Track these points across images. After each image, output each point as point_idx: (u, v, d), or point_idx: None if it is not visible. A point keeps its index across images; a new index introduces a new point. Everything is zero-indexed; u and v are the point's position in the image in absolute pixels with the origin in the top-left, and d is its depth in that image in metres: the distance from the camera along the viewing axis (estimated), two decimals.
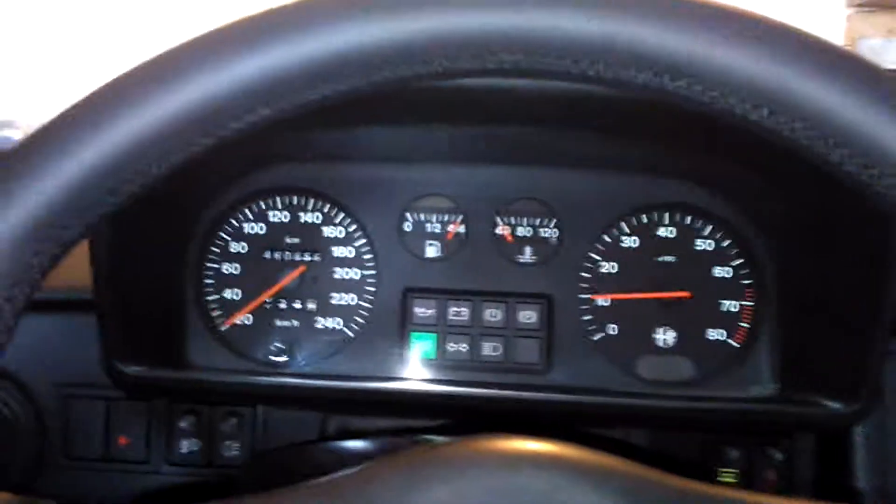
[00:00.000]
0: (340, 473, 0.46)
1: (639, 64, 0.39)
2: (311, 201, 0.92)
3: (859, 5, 2.29)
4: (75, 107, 0.39)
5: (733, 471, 0.91)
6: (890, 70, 0.41)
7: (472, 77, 0.40)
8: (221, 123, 0.39)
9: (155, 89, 0.39)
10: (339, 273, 0.92)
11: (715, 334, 0.91)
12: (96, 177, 0.38)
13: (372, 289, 0.92)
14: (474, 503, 0.44)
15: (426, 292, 0.91)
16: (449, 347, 0.91)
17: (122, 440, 0.92)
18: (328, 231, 0.92)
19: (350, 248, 0.92)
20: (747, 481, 0.91)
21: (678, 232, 0.92)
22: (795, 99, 0.38)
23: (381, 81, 0.40)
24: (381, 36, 0.39)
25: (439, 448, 0.47)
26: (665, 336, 0.91)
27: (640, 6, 0.39)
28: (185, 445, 0.92)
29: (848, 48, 0.41)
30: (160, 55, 0.40)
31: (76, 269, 0.81)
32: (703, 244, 0.91)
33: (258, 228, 0.92)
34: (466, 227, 0.92)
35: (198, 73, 0.39)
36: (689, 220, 0.91)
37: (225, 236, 0.92)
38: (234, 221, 0.92)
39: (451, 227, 0.92)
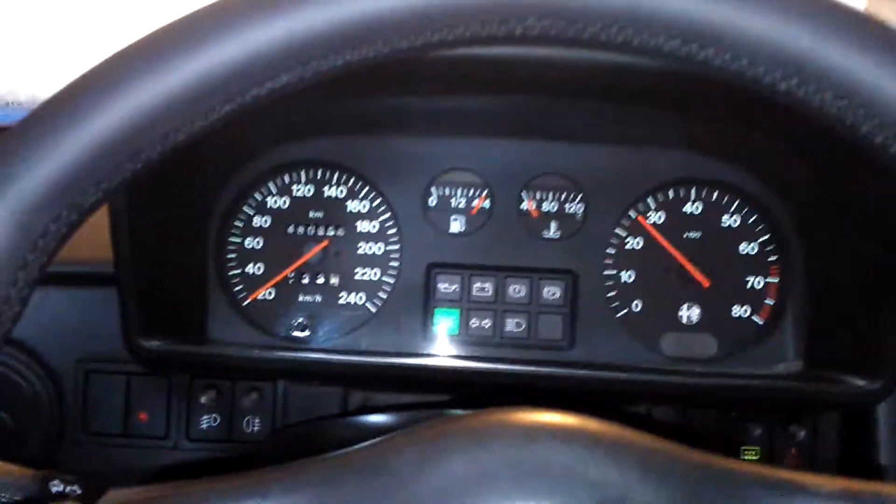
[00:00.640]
0: (359, 446, 0.45)
1: (668, 32, 0.38)
2: (336, 175, 0.91)
3: None
4: (94, 71, 0.38)
5: (755, 448, 0.91)
6: None
7: (504, 44, 0.39)
8: (242, 90, 0.38)
9: (175, 53, 0.37)
10: (363, 248, 0.91)
11: (740, 311, 0.90)
12: (115, 143, 0.37)
13: (395, 264, 0.91)
14: (493, 475, 0.43)
15: (450, 268, 0.90)
16: (472, 323, 0.90)
17: (143, 416, 0.91)
18: (352, 205, 0.91)
19: (374, 222, 0.91)
20: (770, 459, 0.91)
21: (704, 208, 0.91)
22: (823, 69, 0.38)
23: (407, 48, 0.39)
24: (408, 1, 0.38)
25: (458, 420, 0.47)
26: (689, 313, 0.90)
27: None
28: (206, 421, 0.91)
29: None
30: (180, 20, 0.38)
31: (98, 244, 0.79)
32: (729, 220, 0.91)
33: (282, 202, 0.91)
34: (491, 202, 0.91)
35: (218, 37, 0.37)
36: (715, 196, 0.91)
37: (248, 210, 0.91)
38: (257, 195, 0.91)
39: (475, 202, 0.91)
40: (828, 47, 0.37)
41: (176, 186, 0.80)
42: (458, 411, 0.91)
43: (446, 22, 0.38)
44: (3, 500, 0.45)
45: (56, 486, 0.46)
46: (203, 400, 0.91)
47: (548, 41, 0.39)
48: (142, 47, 0.38)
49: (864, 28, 0.38)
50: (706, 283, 0.90)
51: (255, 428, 0.92)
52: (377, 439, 0.46)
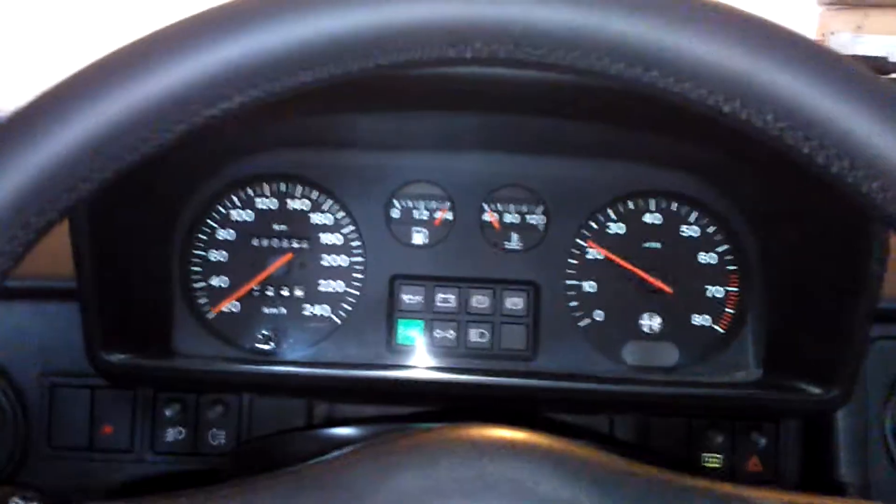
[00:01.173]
0: (316, 460, 0.46)
1: (611, 55, 0.39)
2: (299, 188, 0.92)
3: (830, 3, 2.32)
4: (58, 86, 0.39)
5: (717, 456, 0.91)
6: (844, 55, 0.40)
7: (452, 66, 0.40)
8: (194, 111, 0.38)
9: (133, 72, 0.38)
10: (327, 260, 0.91)
11: (700, 320, 0.91)
12: (69, 162, 0.38)
13: (359, 276, 0.91)
14: (445, 491, 0.44)
15: (413, 279, 0.91)
16: (436, 334, 0.91)
17: (107, 429, 0.90)
18: (316, 218, 0.91)
19: (338, 234, 0.91)
20: (731, 467, 0.91)
21: (664, 218, 0.92)
22: (765, 91, 0.38)
23: (358, 70, 0.39)
24: (366, 23, 0.39)
25: (411, 435, 0.48)
26: (651, 322, 0.91)
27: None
28: (171, 434, 0.91)
29: (819, 41, 0.41)
30: (142, 38, 0.39)
31: (62, 257, 0.79)
32: (688, 231, 0.91)
33: (246, 215, 0.91)
34: (454, 214, 0.92)
35: (177, 56, 0.38)
36: (675, 206, 0.91)
37: (212, 223, 0.91)
38: (221, 208, 0.91)
39: (438, 214, 0.92)
40: (769, 70, 0.38)
41: (138, 200, 0.80)
42: (422, 424, 0.91)
43: (399, 45, 0.39)
44: None
45: (16, 502, 0.46)
46: (168, 413, 0.91)
47: (497, 63, 0.40)
48: (108, 62, 0.39)
49: (798, 47, 0.39)
50: (667, 293, 0.90)
51: (221, 441, 0.92)
52: (332, 454, 0.46)
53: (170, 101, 0.38)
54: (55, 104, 0.38)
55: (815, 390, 0.80)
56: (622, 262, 0.91)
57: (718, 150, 0.86)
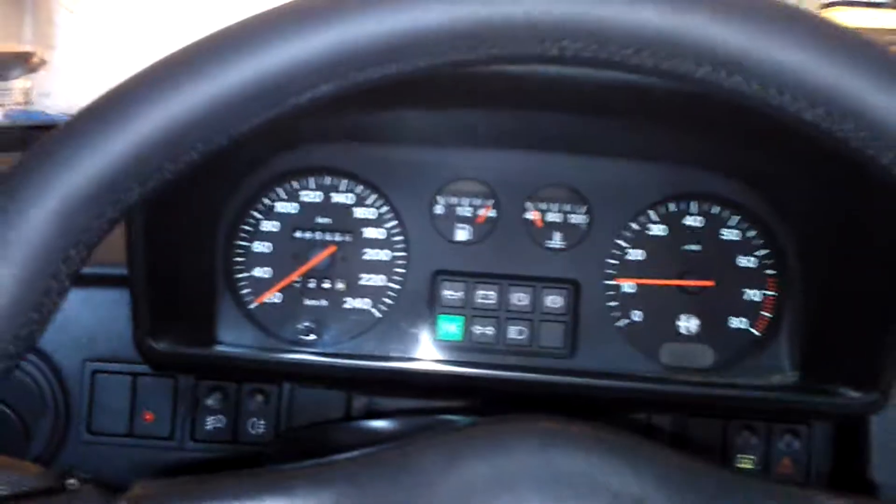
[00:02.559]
0: (384, 446, 0.46)
1: (698, 58, 0.38)
2: (344, 182, 0.91)
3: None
4: (140, 74, 0.39)
5: (751, 457, 0.92)
6: None
7: (536, 63, 0.40)
8: (282, 98, 0.38)
9: (222, 59, 0.38)
10: (370, 254, 0.91)
11: (737, 323, 0.91)
12: (160, 143, 0.38)
13: (401, 270, 0.91)
14: (514, 481, 0.44)
15: (455, 275, 0.90)
16: (475, 330, 0.90)
17: (148, 416, 0.90)
18: (360, 212, 0.91)
19: (381, 229, 0.91)
20: (764, 468, 0.91)
21: (705, 221, 0.91)
22: (850, 100, 0.38)
23: (442, 64, 0.39)
24: (452, 18, 0.38)
25: (483, 424, 0.47)
26: (688, 324, 0.91)
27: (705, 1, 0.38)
28: (211, 422, 0.91)
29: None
30: (228, 27, 0.39)
31: (106, 244, 0.79)
32: (728, 234, 0.91)
33: (290, 208, 0.91)
34: (497, 212, 0.91)
35: (264, 46, 0.38)
36: (715, 209, 0.91)
37: (257, 215, 0.90)
38: (266, 200, 0.91)
39: (482, 212, 0.91)
40: (855, 80, 0.38)
41: (188, 191, 0.80)
42: (460, 418, 0.91)
43: (483, 40, 0.39)
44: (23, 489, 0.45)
45: (72, 486, 0.45)
46: (208, 401, 0.90)
47: (580, 63, 0.40)
48: (190, 52, 0.39)
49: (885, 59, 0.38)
50: (704, 295, 0.90)
51: (260, 430, 0.91)
52: (402, 440, 0.46)
53: (260, 87, 0.38)
54: (157, 81, 0.38)
55: (854, 394, 0.80)
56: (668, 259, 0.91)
57: (761, 154, 0.85)
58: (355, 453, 0.46)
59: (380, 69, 0.39)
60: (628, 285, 0.91)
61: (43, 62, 2.70)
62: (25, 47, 3.01)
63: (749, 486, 0.48)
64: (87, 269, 0.87)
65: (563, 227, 0.91)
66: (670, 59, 0.39)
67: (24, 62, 2.58)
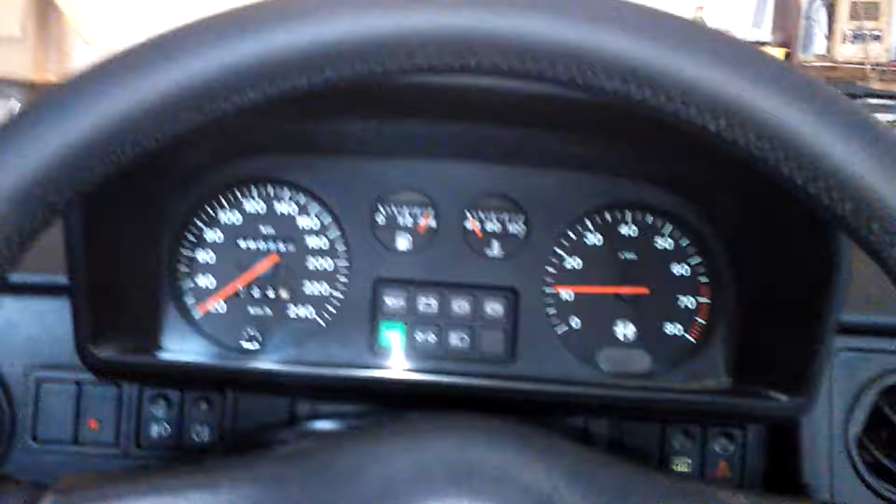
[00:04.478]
0: (305, 443, 0.46)
1: (607, 72, 0.38)
2: (287, 192, 0.88)
3: None
4: (76, 77, 0.38)
5: (687, 461, 0.87)
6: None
7: (452, 74, 0.40)
8: (210, 102, 0.38)
9: (152, 64, 0.38)
10: (312, 263, 0.88)
11: (672, 329, 0.88)
12: (90, 144, 0.37)
13: (344, 279, 0.87)
14: (431, 475, 0.43)
15: (396, 283, 0.88)
16: (417, 337, 0.88)
17: (93, 424, 0.87)
18: (302, 221, 0.88)
19: (323, 238, 0.87)
20: (700, 471, 0.88)
21: (639, 230, 0.89)
22: (749, 114, 0.38)
23: (370, 74, 0.39)
24: (378, 28, 0.38)
25: (399, 421, 0.47)
26: (625, 330, 0.87)
27: (618, 16, 0.38)
28: (155, 429, 0.88)
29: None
30: (162, 33, 0.39)
31: (48, 253, 0.74)
32: (662, 242, 0.89)
33: (233, 217, 0.87)
34: (437, 221, 0.89)
35: (191, 52, 0.38)
36: (650, 219, 0.89)
37: (200, 224, 0.87)
38: (209, 209, 0.88)
39: (422, 221, 0.88)
40: (756, 93, 0.38)
41: (130, 198, 0.78)
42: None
43: (404, 52, 0.38)
44: None
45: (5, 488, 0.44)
46: (153, 409, 0.87)
47: (498, 74, 0.39)
48: (119, 58, 0.38)
49: (777, 71, 0.39)
50: (640, 302, 0.86)
51: (205, 437, 0.89)
52: (322, 437, 0.48)
53: (185, 91, 0.38)
54: (87, 85, 0.38)
55: (782, 397, 0.78)
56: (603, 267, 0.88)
57: (689, 164, 0.84)
58: (278, 450, 0.46)
59: (297, 80, 0.38)
60: (566, 293, 0.87)
61: None
62: (51, 77, 3.06)
63: (656, 483, 0.48)
64: (30, 277, 0.83)
65: (502, 236, 0.87)
66: (583, 73, 0.39)
67: None
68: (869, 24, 4.05)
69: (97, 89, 0.37)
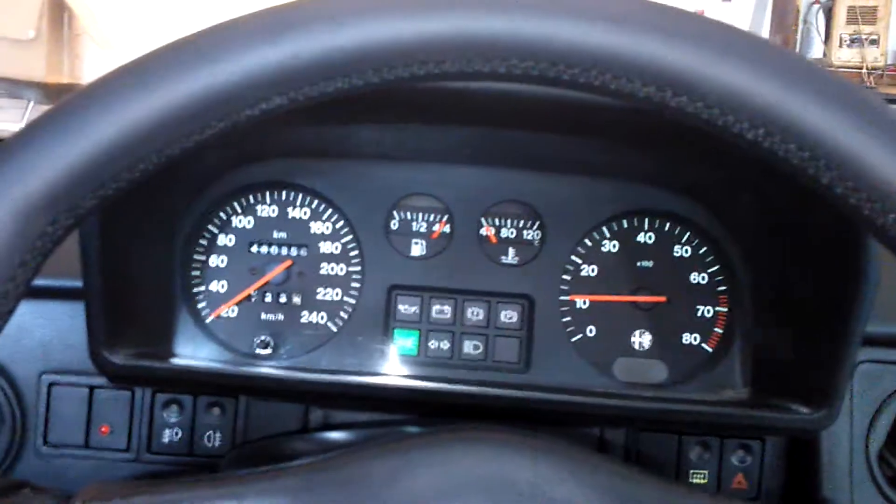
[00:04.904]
0: (334, 454, 0.44)
1: (642, 78, 0.37)
2: (300, 197, 0.86)
3: None
4: (99, 81, 0.37)
5: (703, 472, 0.85)
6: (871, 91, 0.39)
7: (485, 80, 0.38)
8: (237, 109, 0.37)
9: (178, 70, 0.36)
10: (325, 268, 0.86)
11: (689, 339, 0.86)
12: (115, 152, 0.36)
13: (357, 285, 0.85)
14: (461, 489, 0.42)
15: (410, 290, 0.86)
16: (431, 345, 0.86)
17: (104, 429, 0.85)
18: (315, 226, 0.86)
19: (337, 244, 0.85)
20: (717, 484, 0.86)
21: (657, 238, 0.87)
22: (789, 121, 0.36)
23: (395, 79, 0.38)
24: (408, 34, 0.37)
25: (429, 434, 0.45)
26: (641, 339, 0.85)
27: (654, 21, 0.37)
28: (167, 435, 0.86)
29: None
30: (184, 38, 0.38)
31: (62, 257, 0.71)
32: (680, 250, 0.86)
33: (246, 222, 0.85)
34: (452, 227, 0.86)
35: (218, 57, 0.36)
36: (667, 226, 0.87)
37: (213, 229, 0.86)
38: (222, 214, 0.86)
39: (436, 227, 0.86)
40: (793, 101, 0.36)
41: (144, 203, 0.75)
42: (415, 428, 0.83)
43: (434, 57, 0.37)
44: None
45: (27, 494, 0.43)
46: (165, 414, 0.86)
47: (529, 81, 0.38)
48: (146, 62, 0.37)
49: (828, 82, 0.37)
50: (657, 311, 0.84)
51: (216, 443, 0.87)
52: (351, 449, 0.44)
53: (218, 96, 0.36)
54: (112, 88, 0.37)
55: (802, 410, 0.75)
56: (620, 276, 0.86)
57: (709, 171, 0.82)
58: (306, 461, 0.44)
59: (331, 84, 0.37)
60: (582, 301, 0.85)
61: None
62: (64, 79, 3.07)
63: (693, 500, 0.47)
64: (44, 281, 0.80)
65: (517, 243, 0.85)
66: (618, 79, 0.37)
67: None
68: (866, 29, 4.03)
69: (126, 94, 0.36)
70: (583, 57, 0.37)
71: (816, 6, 4.17)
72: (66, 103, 0.37)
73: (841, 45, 4.10)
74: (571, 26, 0.37)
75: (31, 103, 2.75)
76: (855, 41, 4.06)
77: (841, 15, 4.09)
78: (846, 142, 0.36)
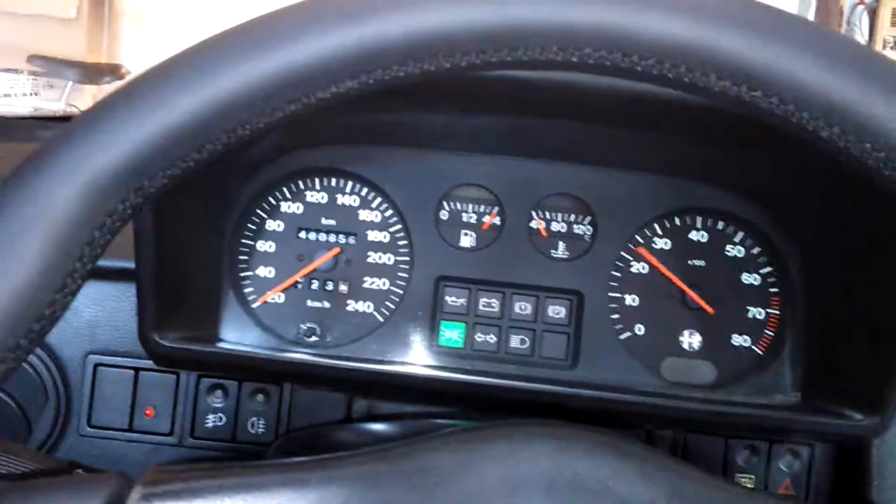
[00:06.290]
0: (399, 443, 0.43)
1: (718, 72, 0.36)
2: (350, 184, 0.85)
3: None
4: (171, 60, 0.37)
5: (750, 475, 0.83)
6: None
7: (557, 69, 0.37)
8: (307, 91, 0.36)
9: (250, 51, 0.36)
10: (373, 257, 0.85)
11: (740, 340, 0.85)
12: (188, 130, 0.36)
13: (405, 275, 0.84)
14: (526, 484, 0.41)
15: (458, 281, 0.85)
16: (477, 338, 0.85)
17: (149, 411, 0.85)
18: (364, 214, 0.85)
19: (385, 232, 0.84)
20: (764, 488, 0.83)
21: (709, 236, 0.85)
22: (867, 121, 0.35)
23: (466, 66, 0.37)
24: (477, 20, 0.36)
25: (495, 427, 0.45)
26: (691, 339, 0.84)
27: (733, 14, 0.36)
28: (211, 420, 0.86)
29: None
30: (254, 19, 0.37)
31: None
32: (733, 250, 0.85)
33: (295, 208, 0.84)
34: (502, 219, 0.85)
35: (291, 39, 0.36)
36: (720, 225, 0.85)
37: (262, 214, 0.85)
38: (271, 199, 0.85)
39: (486, 218, 0.85)
40: (871, 101, 0.36)
41: (197, 186, 0.75)
42: (460, 422, 0.83)
43: (507, 44, 0.36)
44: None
45: (79, 473, 0.43)
46: (210, 399, 0.85)
47: (601, 71, 0.37)
48: (217, 43, 0.37)
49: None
50: (708, 311, 0.83)
51: (260, 430, 0.86)
52: (416, 439, 0.44)
53: (289, 78, 0.36)
54: (182, 70, 0.36)
55: (856, 416, 0.74)
56: (668, 273, 0.84)
57: (766, 169, 0.80)
58: (367, 450, 0.43)
59: (402, 69, 0.37)
60: (631, 298, 0.83)
61: (129, 73, 2.84)
62: (103, 59, 3.10)
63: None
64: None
65: (568, 237, 0.84)
66: (692, 72, 0.36)
67: (114, 72, 2.83)
68: None
69: (202, 72, 0.36)
70: (658, 48, 0.36)
71: (861, 7, 4.11)
72: (142, 79, 0.36)
73: (884, 47, 4.03)
74: (648, 17, 0.36)
75: (70, 83, 2.77)
76: None
77: (885, 16, 4.02)
78: None
